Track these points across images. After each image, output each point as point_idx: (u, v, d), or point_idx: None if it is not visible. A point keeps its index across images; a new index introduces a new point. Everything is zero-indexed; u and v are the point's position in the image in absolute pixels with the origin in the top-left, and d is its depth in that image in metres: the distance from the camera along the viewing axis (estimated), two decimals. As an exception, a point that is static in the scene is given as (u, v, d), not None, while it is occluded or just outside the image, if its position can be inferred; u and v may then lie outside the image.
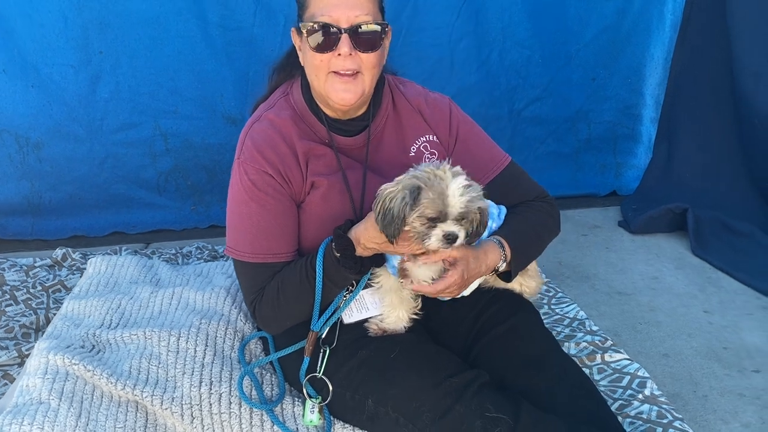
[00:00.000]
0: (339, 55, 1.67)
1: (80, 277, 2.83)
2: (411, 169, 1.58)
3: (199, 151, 3.66)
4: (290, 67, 1.92)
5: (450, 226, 1.49)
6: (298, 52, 1.80)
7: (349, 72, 1.69)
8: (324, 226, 1.76)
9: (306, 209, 1.82)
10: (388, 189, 1.52)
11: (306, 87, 1.84)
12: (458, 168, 1.55)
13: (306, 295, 1.72)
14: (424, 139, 1.91)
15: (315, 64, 1.70)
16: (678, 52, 3.75)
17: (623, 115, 4.18)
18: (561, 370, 1.73)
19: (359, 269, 1.68)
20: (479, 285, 1.89)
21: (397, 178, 1.55)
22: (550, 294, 2.73)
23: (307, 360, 1.80)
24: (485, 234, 1.79)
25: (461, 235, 1.51)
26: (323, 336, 1.77)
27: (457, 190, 1.48)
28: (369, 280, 1.79)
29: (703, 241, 3.36)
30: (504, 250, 1.75)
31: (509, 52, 3.86)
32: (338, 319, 1.80)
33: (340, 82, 1.70)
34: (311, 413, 1.76)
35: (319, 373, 1.74)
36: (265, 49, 3.45)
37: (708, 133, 3.67)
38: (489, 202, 1.88)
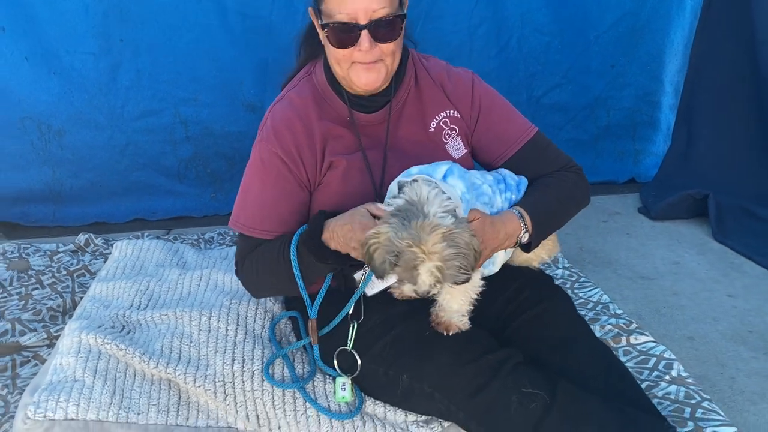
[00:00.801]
0: (360, 50, 1.68)
1: (104, 262, 2.86)
2: (397, 201, 1.56)
3: (219, 139, 3.67)
4: (316, 38, 1.89)
5: (421, 288, 1.49)
6: (318, 30, 1.79)
7: (370, 61, 1.70)
8: (344, 205, 1.77)
9: (324, 190, 1.83)
10: (372, 240, 1.50)
11: (328, 66, 1.84)
12: (439, 232, 1.45)
13: (281, 272, 1.75)
14: (444, 115, 1.90)
15: (337, 56, 1.72)
16: (699, 37, 3.72)
17: (642, 102, 4.15)
18: (594, 352, 1.74)
19: (320, 255, 1.68)
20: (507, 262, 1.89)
21: (376, 230, 1.49)
22: (573, 278, 2.73)
23: (317, 348, 1.83)
24: (506, 206, 1.80)
25: (433, 290, 1.51)
26: (350, 312, 1.78)
27: (428, 269, 1.45)
28: None
29: (724, 226, 3.34)
30: (524, 221, 1.74)
31: (528, 39, 3.84)
32: (362, 294, 1.79)
33: (363, 69, 1.71)
34: (342, 390, 1.78)
35: (349, 347, 1.76)
36: (284, 37, 3.44)
37: (728, 119, 3.65)
38: (506, 172, 1.89)
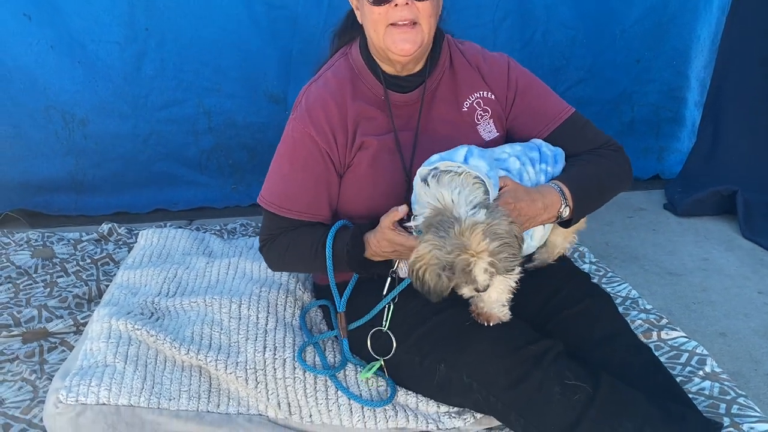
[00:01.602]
0: (396, 5, 1.67)
1: (127, 251, 2.86)
2: (424, 212, 1.53)
3: (241, 130, 3.65)
4: (350, 31, 1.94)
5: (478, 285, 1.49)
6: (356, 11, 1.83)
7: (406, 22, 1.69)
8: (374, 187, 1.80)
9: (354, 170, 1.83)
10: (418, 264, 1.49)
11: (364, 45, 1.86)
12: (480, 230, 1.43)
13: (311, 264, 1.83)
14: (478, 95, 1.90)
15: (373, 18, 1.71)
16: (727, 33, 3.66)
17: (667, 98, 4.10)
18: (636, 350, 1.72)
19: (365, 270, 1.74)
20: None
21: (419, 253, 1.48)
22: (600, 273, 2.70)
23: (345, 342, 1.83)
24: (543, 179, 1.78)
25: (491, 284, 1.51)
26: (385, 293, 1.78)
27: (482, 267, 1.44)
28: None
29: (753, 223, 3.29)
30: (565, 195, 1.72)
31: (553, 33, 3.80)
32: (397, 275, 1.79)
33: (399, 32, 1.70)
34: (369, 371, 1.78)
35: (384, 327, 1.76)
36: (309, 28, 3.44)
37: (756, 116, 3.58)
38: (540, 141, 1.87)
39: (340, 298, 1.82)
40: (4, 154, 3.44)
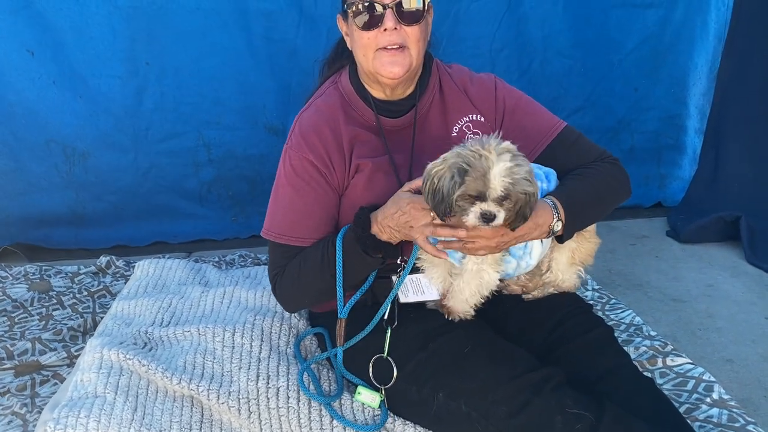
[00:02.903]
0: (385, 30, 1.70)
1: (124, 283, 2.83)
2: (456, 146, 1.57)
3: (241, 162, 3.66)
4: (339, 59, 1.96)
5: (489, 206, 1.48)
6: (346, 38, 1.85)
7: (395, 46, 1.72)
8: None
9: (350, 194, 1.82)
10: (435, 168, 1.52)
11: (354, 73, 1.88)
12: (507, 144, 1.51)
13: (325, 272, 1.75)
14: (467, 119, 1.90)
15: (363, 43, 1.74)
16: (725, 60, 3.68)
17: (667, 126, 4.10)
18: (638, 383, 1.67)
19: (370, 246, 1.68)
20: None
21: (442, 156, 1.54)
22: (603, 300, 2.67)
23: (341, 350, 1.79)
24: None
25: (500, 216, 1.48)
26: (385, 317, 1.75)
27: (500, 171, 1.45)
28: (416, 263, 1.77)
29: (757, 249, 3.25)
30: (557, 210, 1.69)
31: (550, 62, 3.82)
32: (396, 298, 1.77)
33: (388, 56, 1.73)
34: (368, 394, 1.75)
35: (385, 354, 1.71)
36: (308, 61, 3.41)
37: (758, 141, 3.57)
38: (532, 165, 1.85)
39: (344, 306, 1.77)
40: (5, 188, 3.44)
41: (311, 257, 1.78)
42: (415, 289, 1.81)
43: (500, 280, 1.76)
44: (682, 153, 4.18)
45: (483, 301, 1.75)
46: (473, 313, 1.74)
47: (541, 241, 1.74)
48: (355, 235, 1.69)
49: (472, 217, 1.49)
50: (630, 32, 3.86)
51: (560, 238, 1.75)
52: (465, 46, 3.67)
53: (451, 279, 1.76)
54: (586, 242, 1.88)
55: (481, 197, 1.47)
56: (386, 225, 1.65)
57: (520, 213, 1.52)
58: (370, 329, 1.74)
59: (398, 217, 1.62)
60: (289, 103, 3.55)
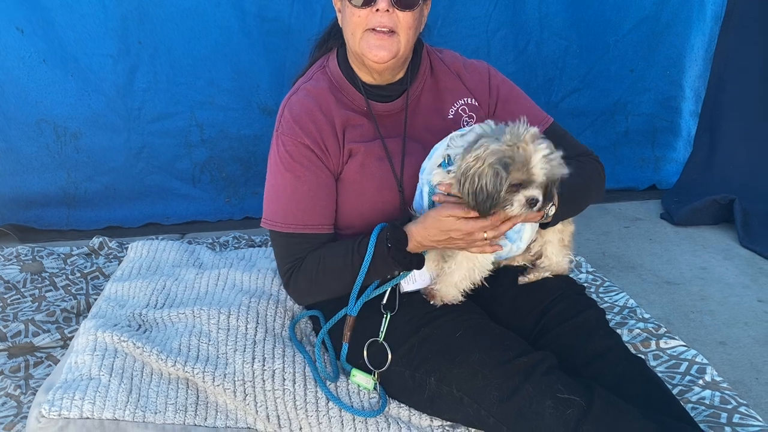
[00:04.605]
0: (377, 10, 1.67)
1: (117, 264, 2.82)
2: (476, 131, 1.56)
3: (234, 142, 3.64)
4: (330, 42, 1.93)
5: (532, 191, 1.48)
6: (338, 14, 1.82)
7: (385, 29, 1.69)
8: (363, 195, 1.76)
9: (344, 179, 1.80)
10: (473, 168, 1.48)
11: (342, 57, 1.85)
12: (534, 130, 1.51)
13: (346, 275, 1.72)
14: (462, 102, 1.89)
15: (353, 21, 1.71)
16: (722, 42, 3.67)
17: (662, 108, 4.10)
18: (629, 365, 1.67)
19: (406, 264, 1.66)
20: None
21: (473, 154, 1.48)
22: (597, 283, 2.67)
23: (346, 346, 1.78)
24: None
25: (541, 198, 1.50)
26: (385, 302, 1.74)
27: (540, 159, 1.46)
28: None
29: (751, 232, 3.27)
30: None
31: (546, 43, 3.81)
32: (398, 286, 1.77)
33: (375, 38, 1.70)
34: (362, 377, 1.75)
35: (381, 338, 1.71)
36: (301, 40, 3.43)
37: (753, 124, 3.58)
38: None
39: (354, 303, 1.75)
40: (-5, 168, 3.42)
41: (332, 260, 1.74)
42: (422, 273, 1.78)
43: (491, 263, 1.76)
44: (677, 135, 4.18)
45: (473, 287, 1.75)
46: (461, 298, 1.73)
47: (531, 225, 1.75)
48: (391, 251, 1.64)
49: (517, 205, 1.49)
50: (627, 13, 3.84)
51: (546, 225, 1.77)
52: (461, 26, 3.64)
53: (444, 262, 1.76)
54: (568, 225, 1.91)
55: (524, 185, 1.48)
56: (432, 244, 1.63)
57: (548, 194, 1.55)
58: (338, 313, 1.78)
59: (452, 241, 1.61)
60: (283, 83, 3.52)
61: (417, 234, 1.63)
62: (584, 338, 1.71)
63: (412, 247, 1.65)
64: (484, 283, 1.77)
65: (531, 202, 1.48)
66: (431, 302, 1.73)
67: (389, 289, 1.75)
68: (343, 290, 1.76)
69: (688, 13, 3.91)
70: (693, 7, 3.90)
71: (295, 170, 1.77)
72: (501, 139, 1.48)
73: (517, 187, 1.48)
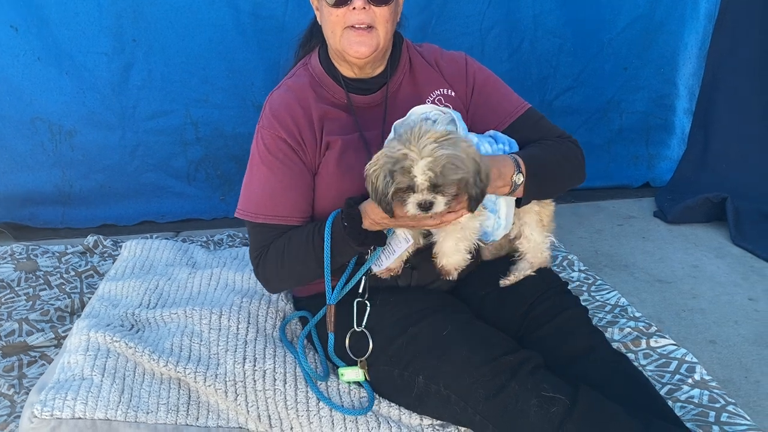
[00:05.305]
0: (353, 9, 1.71)
1: (112, 263, 2.82)
2: (396, 129, 1.62)
3: (229, 140, 3.64)
4: (313, 41, 1.98)
5: (420, 196, 1.49)
6: (316, 12, 1.87)
7: (363, 26, 1.73)
8: (341, 187, 1.79)
9: (322, 172, 1.84)
10: (371, 169, 1.55)
11: (324, 53, 1.90)
12: (433, 132, 1.50)
13: (310, 258, 1.75)
14: (439, 93, 1.93)
15: (331, 20, 1.75)
16: (715, 40, 3.67)
17: (656, 106, 4.09)
18: (614, 364, 1.69)
19: (362, 241, 1.69)
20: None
21: (375, 156, 1.56)
22: (590, 281, 2.69)
23: (332, 336, 1.80)
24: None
25: (438, 202, 1.50)
26: (359, 292, 1.79)
27: (422, 166, 1.47)
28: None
29: (743, 230, 3.27)
30: (518, 164, 1.71)
31: (540, 41, 3.80)
32: (369, 272, 1.80)
33: (355, 35, 1.74)
34: (350, 371, 1.77)
35: (362, 326, 1.75)
36: (296, 38, 3.39)
37: (746, 123, 3.59)
38: (495, 131, 1.89)
39: (332, 292, 1.78)
40: (-10, 167, 3.41)
41: (296, 242, 1.78)
42: (387, 253, 1.79)
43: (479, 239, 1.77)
44: (670, 133, 4.18)
45: (474, 246, 1.75)
46: (469, 258, 1.73)
47: (505, 199, 1.76)
48: (346, 230, 1.67)
49: (410, 207, 1.52)
50: (620, 11, 3.84)
51: (520, 201, 1.78)
52: (454, 24, 3.65)
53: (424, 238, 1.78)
54: (547, 205, 1.93)
55: (412, 189, 1.50)
56: (385, 222, 1.65)
57: (468, 195, 1.53)
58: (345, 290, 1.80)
59: (401, 220, 1.62)
60: (278, 81, 3.45)
61: (371, 212, 1.66)
62: (567, 337, 1.73)
63: (367, 224, 1.68)
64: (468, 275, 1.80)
65: (422, 205, 1.50)
66: (448, 278, 1.75)
67: (364, 277, 1.78)
68: (310, 274, 1.81)
69: (682, 12, 3.90)
70: (686, 6, 3.89)
71: (271, 164, 1.82)
72: (402, 139, 1.52)
73: (409, 192, 1.51)
